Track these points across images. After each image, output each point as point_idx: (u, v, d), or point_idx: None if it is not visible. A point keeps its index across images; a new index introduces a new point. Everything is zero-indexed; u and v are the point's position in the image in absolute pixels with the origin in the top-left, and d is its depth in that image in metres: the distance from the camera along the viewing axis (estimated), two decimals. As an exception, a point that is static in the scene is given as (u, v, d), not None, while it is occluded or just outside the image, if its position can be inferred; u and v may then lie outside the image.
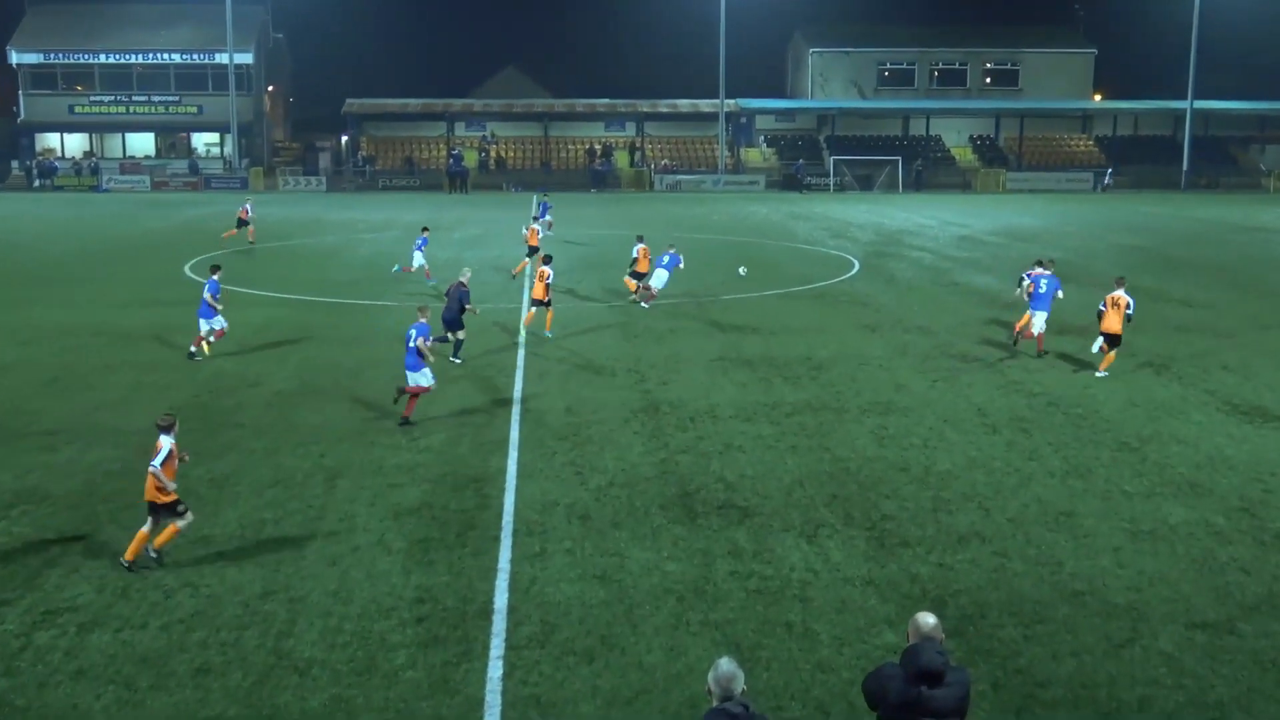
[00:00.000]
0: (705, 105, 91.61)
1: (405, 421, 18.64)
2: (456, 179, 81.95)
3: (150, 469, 12.89)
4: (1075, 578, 12.90)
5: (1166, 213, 64.35)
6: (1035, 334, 24.15)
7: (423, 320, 19.07)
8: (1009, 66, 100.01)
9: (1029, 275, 24.84)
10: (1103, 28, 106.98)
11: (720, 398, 20.73)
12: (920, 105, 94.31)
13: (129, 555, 12.99)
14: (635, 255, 31.88)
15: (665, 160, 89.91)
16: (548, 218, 46.73)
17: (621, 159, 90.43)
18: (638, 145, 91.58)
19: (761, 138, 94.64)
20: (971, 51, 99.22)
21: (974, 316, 29.56)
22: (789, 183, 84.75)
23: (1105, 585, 12.70)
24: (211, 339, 24.08)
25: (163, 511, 13.00)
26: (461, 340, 23.56)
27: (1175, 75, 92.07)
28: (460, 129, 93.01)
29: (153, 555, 13.05)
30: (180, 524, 13.08)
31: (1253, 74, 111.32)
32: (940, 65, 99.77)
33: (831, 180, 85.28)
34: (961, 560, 13.37)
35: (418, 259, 34.73)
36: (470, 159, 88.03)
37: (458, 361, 23.28)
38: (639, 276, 31.36)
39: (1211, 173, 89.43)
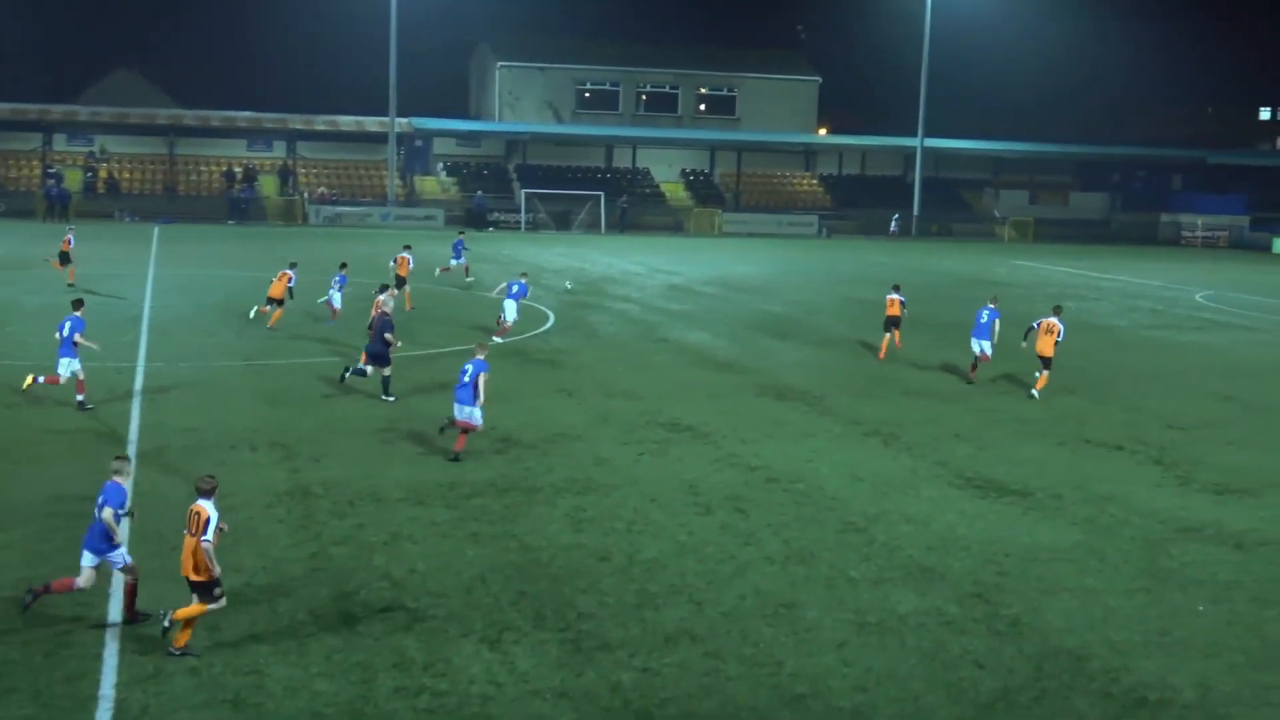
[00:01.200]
0: (372, 123, 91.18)
1: (456, 458, 21.62)
2: (55, 204, 78.09)
3: (202, 542, 13.27)
4: (796, 679, 13.44)
5: (896, 263, 68.67)
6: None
7: (480, 356, 22.00)
8: (725, 92, 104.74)
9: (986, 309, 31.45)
10: (828, 55, 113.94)
11: (387, 477, 20.51)
12: (625, 133, 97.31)
13: (180, 641, 13.33)
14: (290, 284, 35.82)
15: (323, 188, 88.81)
16: (463, 260, 49.05)
17: (268, 185, 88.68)
18: (289, 169, 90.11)
19: (440, 164, 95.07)
20: (683, 74, 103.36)
21: (686, 378, 30.53)
22: (472, 218, 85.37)
23: (829, 686, 13.30)
24: (75, 393, 24.76)
25: (199, 590, 13.41)
26: (388, 376, 26.55)
27: (905, 110, 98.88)
28: (60, 142, 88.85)
29: (165, 624, 13.44)
30: (212, 606, 13.48)
31: (987, 113, 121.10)
32: (648, 88, 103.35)
33: (523, 217, 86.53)
34: (669, 664, 13.68)
35: (336, 300, 36.85)
36: (73, 179, 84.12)
37: (390, 400, 26.15)
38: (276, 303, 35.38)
39: (944, 218, 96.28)
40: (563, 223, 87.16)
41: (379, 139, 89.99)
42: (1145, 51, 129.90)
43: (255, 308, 36.93)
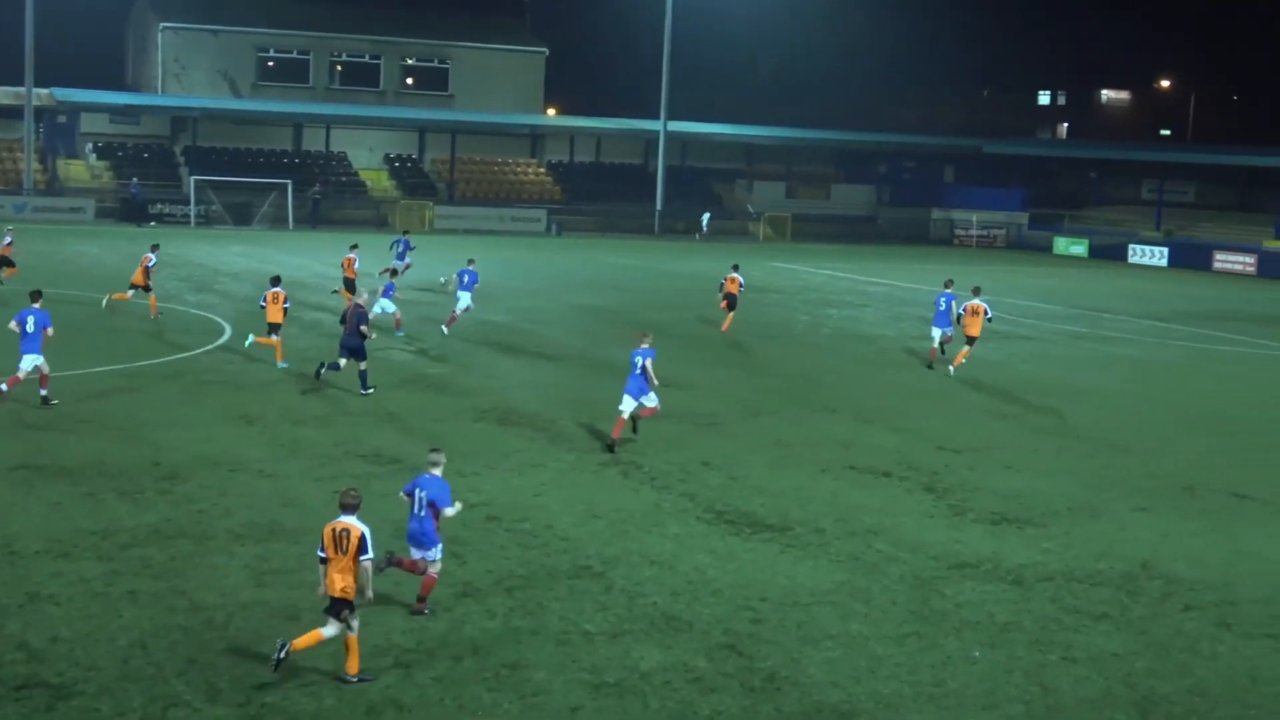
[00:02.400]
0: (4, 94, 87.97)
1: (610, 448, 26.38)
2: None
3: (363, 561, 14.87)
4: (523, 752, 13.49)
5: (637, 266, 69.70)
6: (936, 345, 38.84)
7: (646, 345, 26.80)
8: (436, 64, 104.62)
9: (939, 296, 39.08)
10: (556, 23, 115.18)
11: (21, 525, 19.82)
12: (317, 110, 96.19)
13: (352, 666, 14.91)
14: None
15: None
16: (407, 260, 52.76)
17: None
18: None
19: (90, 145, 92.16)
20: (386, 42, 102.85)
21: (391, 401, 30.36)
22: (130, 211, 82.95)
23: (561, 759, 13.38)
24: (42, 391, 27.78)
25: (347, 609, 14.90)
26: (365, 370, 30.85)
27: (647, 89, 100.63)
28: None
29: (279, 655, 14.77)
30: (331, 633, 14.99)
31: (740, 95, 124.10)
32: (345, 58, 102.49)
33: (192, 209, 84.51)
34: (372, 740, 13.57)
35: (388, 307, 40.44)
36: None
37: (369, 392, 30.53)
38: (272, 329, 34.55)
39: (691, 214, 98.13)
40: (241, 216, 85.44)
41: (12, 113, 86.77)
42: (915, 29, 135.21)
43: (107, 296, 41.37)
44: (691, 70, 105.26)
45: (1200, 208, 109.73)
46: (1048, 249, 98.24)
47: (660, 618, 17.30)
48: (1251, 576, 20.25)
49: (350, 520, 14.95)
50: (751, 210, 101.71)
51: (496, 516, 21.43)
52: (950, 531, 21.92)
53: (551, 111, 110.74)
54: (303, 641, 14.82)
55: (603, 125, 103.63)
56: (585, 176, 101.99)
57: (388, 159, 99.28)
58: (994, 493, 24.51)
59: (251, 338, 34.42)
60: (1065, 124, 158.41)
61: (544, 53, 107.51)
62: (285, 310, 33.95)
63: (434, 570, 17.06)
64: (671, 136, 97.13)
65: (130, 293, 41.05)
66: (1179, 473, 26.94)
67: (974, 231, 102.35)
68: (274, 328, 33.68)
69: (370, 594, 15.19)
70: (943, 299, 38.58)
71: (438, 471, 17.17)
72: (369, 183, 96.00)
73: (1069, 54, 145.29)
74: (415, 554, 17.04)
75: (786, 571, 19.43)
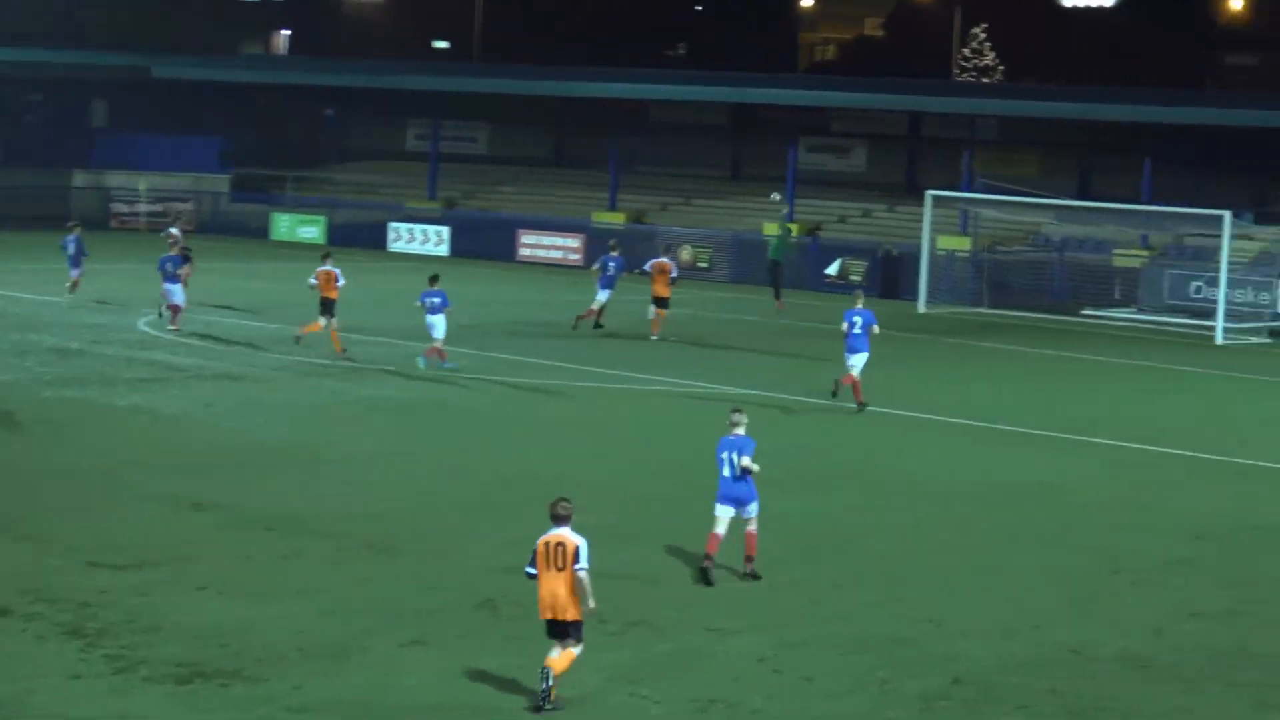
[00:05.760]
0: None
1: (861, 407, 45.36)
2: None
3: (577, 571, 21.41)
4: None
5: None
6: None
7: (860, 305, 44.96)
8: None
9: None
10: None
11: None
12: None
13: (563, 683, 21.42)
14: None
15: None
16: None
17: None
18: None
19: None
20: None
21: None
22: None
23: None
24: None
25: (572, 630, 21.62)
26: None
27: None
28: None
29: (546, 684, 21.33)
30: (578, 650, 21.74)
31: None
32: None
33: None
34: None
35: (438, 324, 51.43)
36: None
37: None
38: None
39: None
40: None
41: None
42: None
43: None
44: None
45: (498, 163, 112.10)
46: (263, 232, 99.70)
47: None
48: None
49: (562, 532, 21.45)
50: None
51: None
52: (111, 699, 21.82)
53: None
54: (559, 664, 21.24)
55: None
56: None
57: None
58: (181, 631, 24.57)
59: None
60: (286, 32, 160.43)
61: None
62: None
63: (752, 526, 27.55)
64: None
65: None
66: (472, 581, 27.78)
67: (144, 207, 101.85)
68: None
69: (593, 603, 21.42)
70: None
71: (740, 431, 27.47)
72: None
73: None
74: (723, 517, 27.41)
75: None
